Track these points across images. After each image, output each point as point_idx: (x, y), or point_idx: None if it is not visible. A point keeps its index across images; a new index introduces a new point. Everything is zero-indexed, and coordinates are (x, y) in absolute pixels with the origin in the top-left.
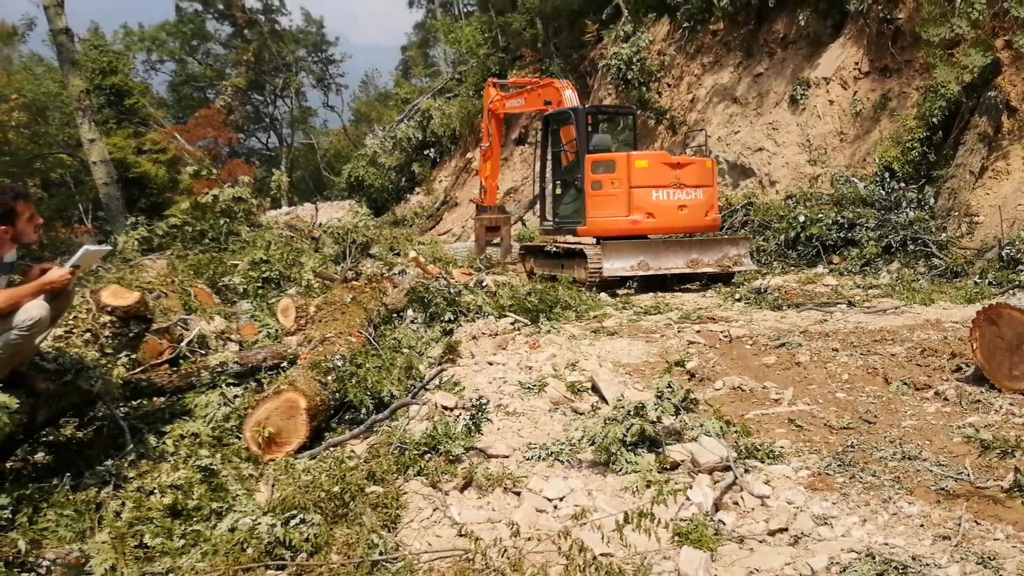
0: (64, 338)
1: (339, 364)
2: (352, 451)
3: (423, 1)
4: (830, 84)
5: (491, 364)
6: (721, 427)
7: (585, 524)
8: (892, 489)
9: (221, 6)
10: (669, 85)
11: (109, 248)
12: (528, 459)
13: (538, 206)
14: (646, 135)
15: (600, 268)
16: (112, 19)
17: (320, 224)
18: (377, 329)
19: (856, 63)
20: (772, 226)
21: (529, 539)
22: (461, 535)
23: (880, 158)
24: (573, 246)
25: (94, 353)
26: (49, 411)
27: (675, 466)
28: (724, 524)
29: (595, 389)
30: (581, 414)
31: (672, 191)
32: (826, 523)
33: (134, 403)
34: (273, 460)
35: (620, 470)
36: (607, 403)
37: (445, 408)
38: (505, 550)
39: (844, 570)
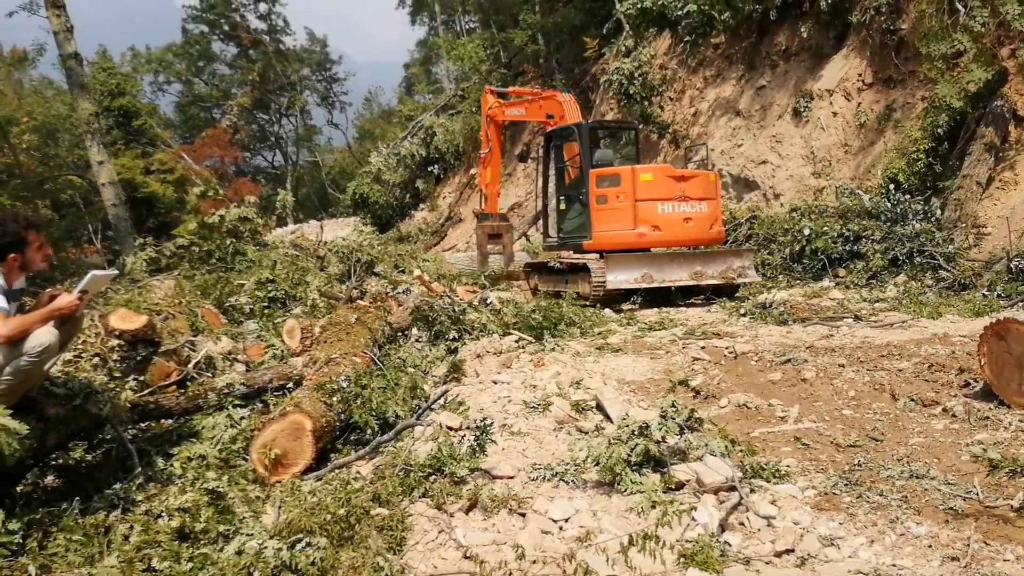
0: (73, 362)
1: (344, 385)
2: (358, 472)
3: (425, 18)
4: (833, 96)
5: (496, 383)
6: (726, 446)
7: (590, 546)
8: (900, 509)
9: (226, 27)
10: (671, 99)
11: (115, 272)
12: (533, 480)
13: (541, 222)
14: (649, 149)
15: (604, 281)
16: (119, 44)
17: (325, 242)
18: (382, 349)
19: (859, 74)
20: (777, 239)
21: (534, 562)
22: (466, 557)
23: (885, 170)
24: (577, 261)
25: (102, 377)
26: (59, 435)
27: (680, 486)
28: (730, 545)
29: (600, 408)
30: (586, 433)
31: (677, 204)
32: (833, 544)
33: (142, 425)
34: (279, 482)
35: (625, 490)
36: (612, 422)
37: (450, 428)
38: (510, 573)
39: None
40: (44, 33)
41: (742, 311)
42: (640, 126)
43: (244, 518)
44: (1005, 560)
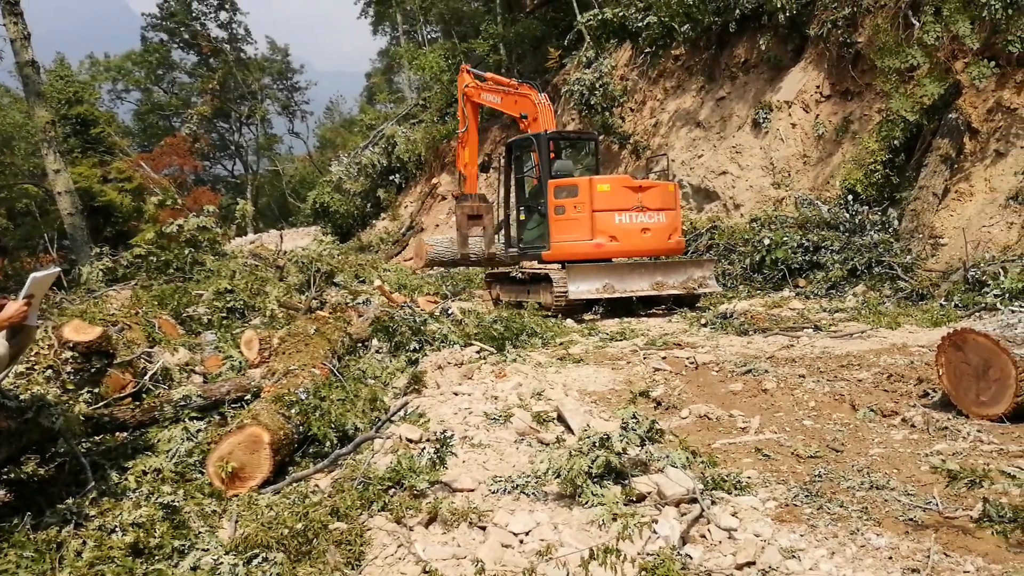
0: (26, 375)
1: (303, 397)
2: (316, 486)
3: (387, 28)
4: (792, 107)
5: (457, 394)
6: (687, 458)
7: (551, 560)
8: (860, 520)
9: (187, 35)
10: (632, 110)
11: (57, 270)
12: (494, 492)
13: (503, 233)
14: (610, 160)
15: (566, 292)
16: (79, 52)
17: (285, 252)
18: (341, 360)
19: (817, 87)
20: (737, 250)
21: None
22: (426, 572)
23: (843, 181)
24: (539, 271)
25: (56, 389)
26: (10, 449)
27: (641, 498)
28: (691, 558)
29: (561, 419)
30: (547, 445)
31: (635, 214)
32: (794, 556)
33: (96, 439)
34: (236, 495)
35: (586, 503)
36: (573, 433)
37: (410, 441)
38: None
39: None
40: (0, 41)
41: (703, 321)
42: (601, 137)
43: (200, 533)
44: (965, 572)
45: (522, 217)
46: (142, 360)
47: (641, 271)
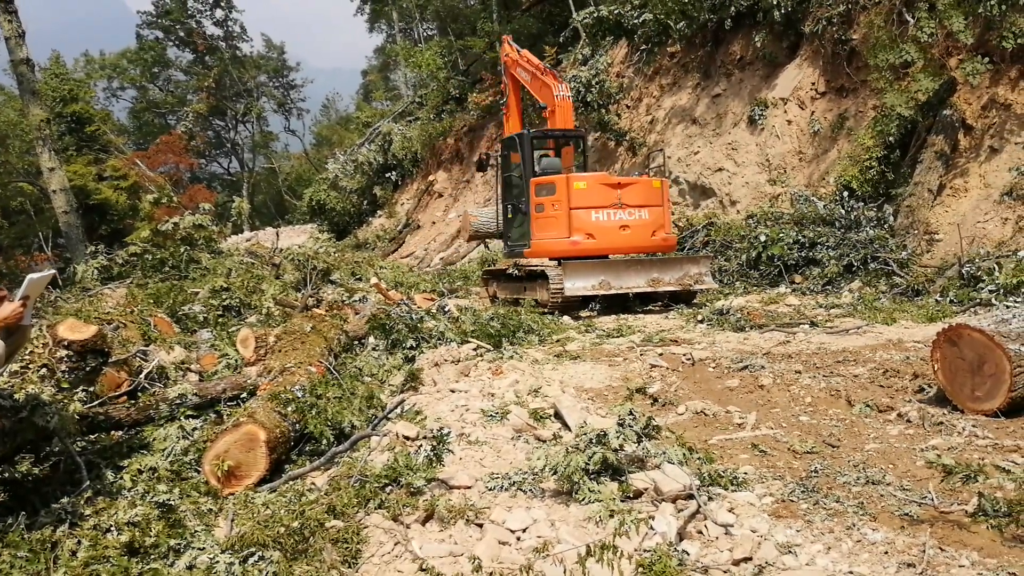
0: (20, 373)
1: (299, 395)
2: (313, 484)
3: (383, 26)
4: (787, 104)
5: (453, 391)
6: (684, 454)
7: (548, 557)
8: (856, 515)
9: (182, 33)
10: (628, 107)
11: (53, 272)
12: (491, 489)
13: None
14: (606, 156)
15: (562, 288)
16: (74, 50)
17: (281, 250)
18: (338, 358)
19: (812, 83)
20: (734, 246)
21: (491, 573)
22: (422, 570)
23: (839, 177)
24: (535, 268)
25: (50, 388)
26: (4, 448)
27: (638, 495)
28: (688, 554)
29: (558, 416)
30: (544, 442)
31: (612, 211)
32: (790, 551)
33: (91, 437)
34: (232, 494)
35: (583, 500)
36: (570, 430)
37: (406, 438)
38: None
39: None
40: None
41: (699, 318)
42: (597, 134)
43: (196, 532)
44: (960, 566)
45: (509, 215)
46: (137, 358)
47: (638, 268)
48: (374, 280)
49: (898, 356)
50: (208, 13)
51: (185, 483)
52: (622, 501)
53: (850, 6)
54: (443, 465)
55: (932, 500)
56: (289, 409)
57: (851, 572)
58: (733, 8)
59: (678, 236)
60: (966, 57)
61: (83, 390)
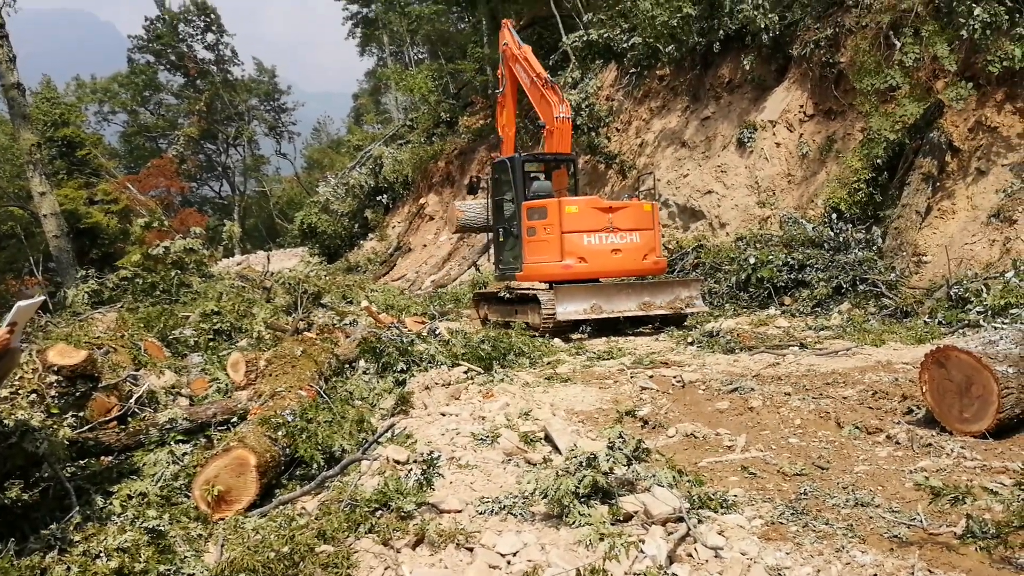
0: (9, 399)
1: (289, 419)
2: (303, 508)
3: (374, 49)
4: (776, 127)
5: (444, 415)
6: (674, 476)
7: None
8: (845, 537)
9: (173, 57)
10: (618, 130)
11: (42, 299)
12: (481, 513)
13: (492, 252)
14: (596, 179)
15: (554, 312)
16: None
17: (272, 274)
18: (328, 381)
19: (801, 106)
20: (723, 268)
21: None
22: None
23: (827, 199)
24: (527, 291)
25: (40, 414)
26: None
27: (628, 518)
28: None
29: (548, 439)
30: (534, 465)
31: (605, 235)
32: (780, 574)
33: (81, 463)
34: (222, 519)
35: (573, 523)
36: (560, 453)
37: (397, 462)
38: None
39: None
40: None
41: (690, 340)
42: (587, 157)
43: (185, 557)
44: None
45: (501, 239)
46: (128, 383)
47: (628, 291)
48: (365, 303)
49: (887, 378)
50: (199, 37)
51: (175, 508)
52: (612, 524)
53: (837, 30)
54: (433, 489)
55: (921, 522)
56: (279, 433)
57: None
58: (722, 32)
59: (668, 259)
60: (951, 81)
61: (73, 415)
